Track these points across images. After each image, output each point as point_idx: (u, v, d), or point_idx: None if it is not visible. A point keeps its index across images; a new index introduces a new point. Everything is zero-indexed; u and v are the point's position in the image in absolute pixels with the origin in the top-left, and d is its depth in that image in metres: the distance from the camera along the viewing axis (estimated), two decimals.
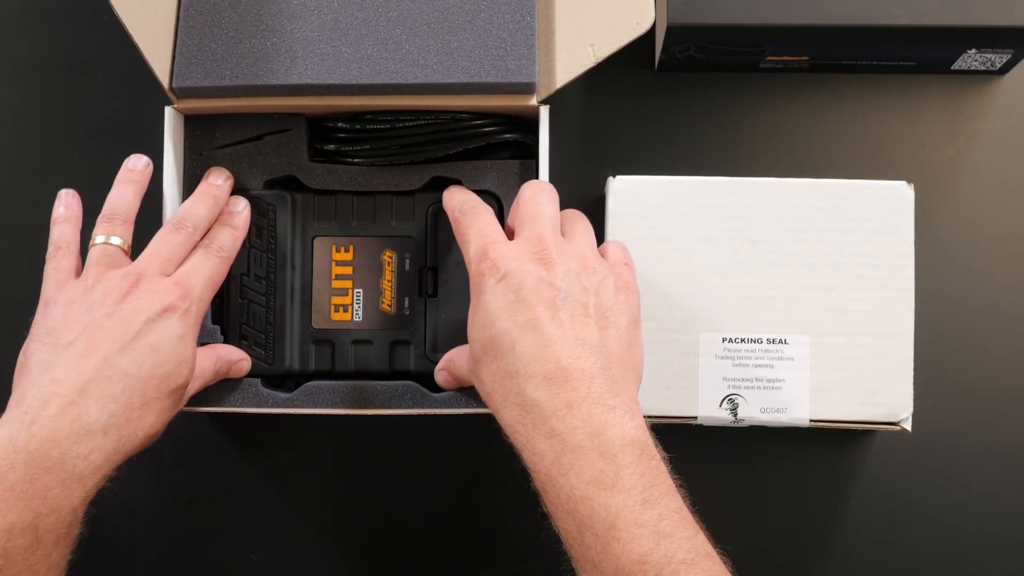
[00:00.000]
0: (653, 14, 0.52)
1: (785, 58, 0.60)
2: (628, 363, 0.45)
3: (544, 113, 0.53)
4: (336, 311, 0.55)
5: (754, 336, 0.54)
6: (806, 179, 0.55)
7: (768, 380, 0.54)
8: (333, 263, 0.55)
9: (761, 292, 0.54)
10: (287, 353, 0.54)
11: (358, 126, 0.54)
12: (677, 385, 0.54)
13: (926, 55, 0.59)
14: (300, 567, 0.60)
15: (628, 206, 0.55)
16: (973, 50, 0.58)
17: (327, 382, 0.54)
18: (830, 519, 0.59)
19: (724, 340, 0.54)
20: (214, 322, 0.54)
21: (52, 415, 0.42)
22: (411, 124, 0.54)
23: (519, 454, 0.44)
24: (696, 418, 0.54)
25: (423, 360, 0.54)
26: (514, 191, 0.54)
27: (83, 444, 0.42)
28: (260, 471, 0.60)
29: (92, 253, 0.49)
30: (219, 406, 0.53)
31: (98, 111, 0.63)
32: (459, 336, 0.53)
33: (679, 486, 0.43)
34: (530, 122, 0.54)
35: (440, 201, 0.53)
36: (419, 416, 0.53)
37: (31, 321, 0.48)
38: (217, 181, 0.53)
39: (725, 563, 0.41)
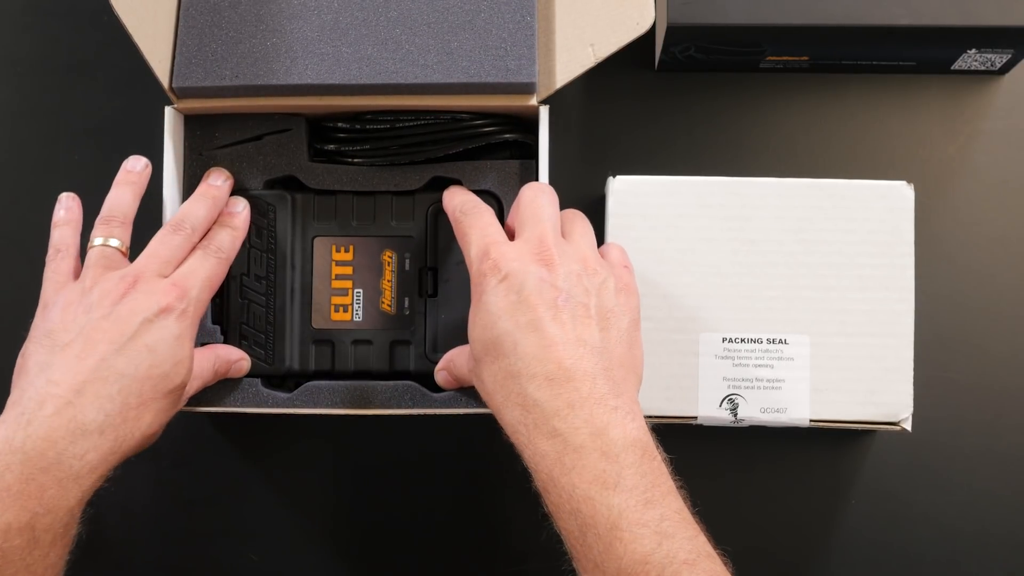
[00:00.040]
0: (653, 14, 0.52)
1: (785, 58, 0.60)
2: (629, 364, 0.45)
3: (544, 113, 0.53)
4: (336, 311, 0.55)
5: (754, 336, 0.54)
6: (806, 179, 0.55)
7: (768, 380, 0.54)
8: (333, 263, 0.55)
9: (761, 292, 0.54)
10: (287, 353, 0.54)
11: (358, 126, 0.54)
12: (677, 385, 0.54)
13: (926, 55, 0.59)
14: (300, 567, 0.60)
15: (628, 206, 0.55)
16: (973, 50, 0.58)
17: (327, 382, 0.54)
18: (830, 519, 0.59)
19: (724, 340, 0.54)
20: (214, 322, 0.54)
21: (48, 415, 0.42)
22: (411, 124, 0.54)
23: (520, 454, 0.44)
24: (696, 418, 0.54)
25: (423, 360, 0.54)
26: (514, 191, 0.54)
27: (79, 444, 0.42)
28: (260, 471, 0.60)
29: (90, 255, 0.49)
30: (219, 406, 0.53)
31: (98, 111, 0.63)
32: (459, 336, 0.53)
33: (680, 487, 0.43)
34: (530, 122, 0.54)
35: (440, 201, 0.53)
36: (419, 416, 0.53)
37: (31, 322, 0.48)
38: (216, 182, 0.53)
39: (726, 564, 0.41)
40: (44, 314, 0.47)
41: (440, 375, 0.53)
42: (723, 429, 0.55)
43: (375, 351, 0.54)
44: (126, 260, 0.49)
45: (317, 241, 0.55)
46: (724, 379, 0.54)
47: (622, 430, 0.42)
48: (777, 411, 0.54)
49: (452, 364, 0.52)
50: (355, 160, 0.55)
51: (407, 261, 0.55)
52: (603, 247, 0.51)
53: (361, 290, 0.55)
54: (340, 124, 0.55)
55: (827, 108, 0.62)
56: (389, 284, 0.55)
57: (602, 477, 0.41)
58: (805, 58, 0.60)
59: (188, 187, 0.54)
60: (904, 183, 0.54)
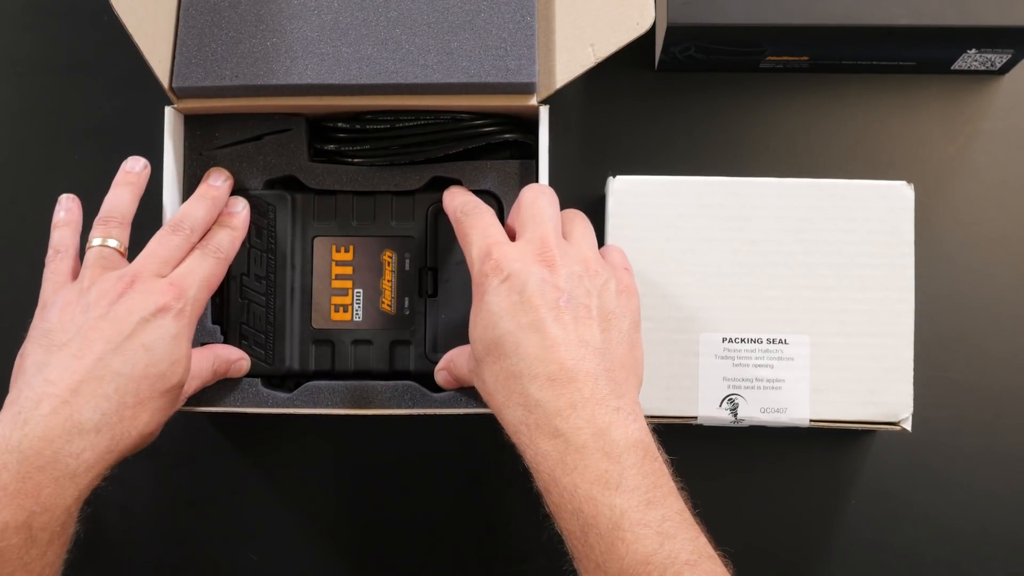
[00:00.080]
0: (653, 14, 0.52)
1: (785, 58, 0.60)
2: (630, 366, 0.45)
3: (544, 113, 0.53)
4: (336, 311, 0.55)
5: (754, 336, 0.54)
6: (806, 179, 0.55)
7: (768, 380, 0.54)
8: (333, 263, 0.55)
9: (761, 292, 0.54)
10: (287, 353, 0.54)
11: (358, 126, 0.54)
12: (677, 385, 0.54)
13: (926, 55, 0.59)
14: (300, 567, 0.60)
15: (628, 206, 0.55)
16: (973, 50, 0.58)
17: (327, 382, 0.54)
18: (830, 519, 0.59)
19: (724, 340, 0.54)
20: (214, 322, 0.54)
21: (45, 414, 0.42)
22: (411, 124, 0.54)
23: (521, 455, 0.44)
24: (696, 418, 0.54)
25: (423, 360, 0.54)
26: (514, 191, 0.54)
27: (76, 443, 0.43)
28: (260, 471, 0.60)
29: (89, 255, 0.49)
30: (219, 406, 0.53)
31: (98, 111, 0.63)
32: (459, 336, 0.53)
33: (681, 488, 0.43)
34: (530, 122, 0.54)
35: (440, 201, 0.53)
36: (419, 416, 0.53)
37: (31, 323, 0.48)
38: (216, 182, 0.53)
39: (727, 565, 0.41)
40: (42, 314, 0.48)
41: (440, 375, 0.53)
42: (723, 429, 0.55)
43: (375, 351, 0.54)
44: (124, 260, 0.50)
45: (317, 241, 0.55)
46: (724, 379, 0.54)
47: (624, 431, 0.42)
48: (777, 411, 0.54)
49: (452, 364, 0.52)
50: (355, 160, 0.55)
51: (407, 261, 0.55)
52: (603, 249, 0.52)
53: (361, 290, 0.55)
54: (340, 124, 0.55)
55: (827, 108, 0.62)
56: (389, 284, 0.55)
57: (604, 477, 0.41)
58: (805, 58, 0.60)
59: (188, 187, 0.54)
60: (904, 183, 0.54)
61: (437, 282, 0.55)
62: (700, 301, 0.54)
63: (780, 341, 0.54)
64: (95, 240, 0.49)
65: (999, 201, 0.61)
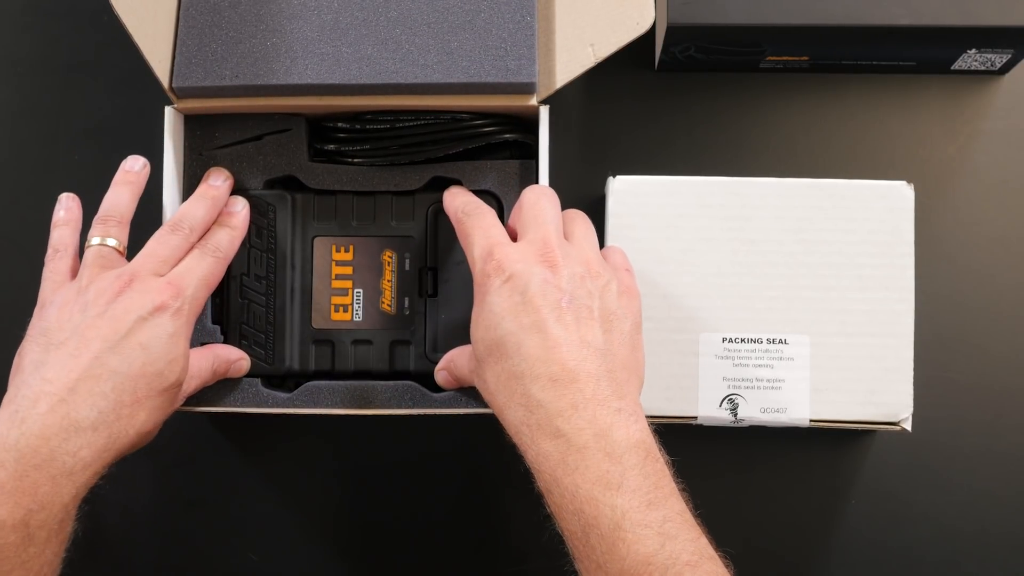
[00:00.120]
0: (653, 14, 0.52)
1: (785, 58, 0.60)
2: (631, 367, 0.45)
3: (544, 113, 0.53)
4: (336, 311, 0.55)
5: (754, 336, 0.54)
6: (806, 179, 0.55)
7: (768, 380, 0.54)
8: (333, 263, 0.55)
9: (761, 292, 0.54)
10: (287, 353, 0.54)
11: (358, 126, 0.54)
12: (677, 385, 0.54)
13: (926, 55, 0.59)
14: (300, 567, 0.60)
15: (628, 206, 0.55)
16: (973, 50, 0.58)
17: (327, 382, 0.54)
18: (830, 519, 0.59)
19: (724, 340, 0.54)
20: (214, 322, 0.54)
21: (42, 413, 0.43)
22: (411, 124, 0.54)
23: (523, 455, 0.44)
24: (696, 418, 0.54)
25: (423, 360, 0.54)
26: (514, 191, 0.54)
27: (72, 441, 0.43)
28: (260, 471, 0.60)
29: (87, 255, 0.49)
30: (219, 406, 0.53)
31: (98, 111, 0.63)
32: (459, 336, 0.53)
33: (682, 489, 0.43)
34: (530, 122, 0.54)
35: (440, 201, 0.53)
36: (419, 416, 0.53)
37: (30, 322, 0.48)
38: (216, 182, 0.53)
39: (728, 566, 0.41)
40: (41, 313, 0.48)
41: (440, 375, 0.53)
42: (723, 429, 0.55)
43: (375, 351, 0.54)
44: (123, 259, 0.50)
45: (317, 241, 0.55)
46: (724, 379, 0.54)
47: (625, 431, 0.42)
48: (777, 411, 0.54)
49: (453, 364, 0.52)
50: (355, 160, 0.55)
51: (407, 261, 0.55)
52: (604, 250, 0.52)
53: (361, 290, 0.55)
54: (340, 124, 0.55)
55: (827, 108, 0.62)
56: (389, 284, 0.55)
57: (605, 478, 0.41)
58: (805, 58, 0.60)
59: (188, 187, 0.54)
60: (904, 183, 0.54)
61: (437, 282, 0.55)
62: (700, 301, 0.54)
63: (780, 341, 0.54)
64: (94, 239, 0.49)
65: (999, 201, 0.61)
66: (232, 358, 0.53)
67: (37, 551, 0.42)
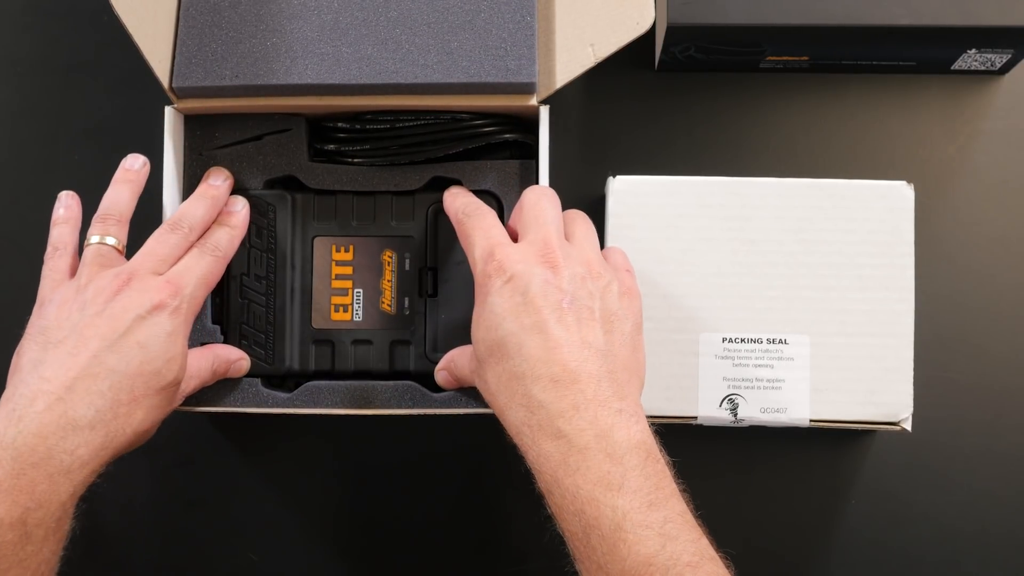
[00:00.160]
0: (653, 14, 0.52)
1: (785, 58, 0.60)
2: (632, 368, 0.45)
3: (544, 113, 0.53)
4: (336, 311, 0.55)
5: (754, 336, 0.54)
6: (806, 179, 0.55)
7: (768, 380, 0.54)
8: (333, 263, 0.55)
9: (761, 292, 0.54)
10: (287, 353, 0.54)
11: (358, 126, 0.54)
12: (677, 385, 0.54)
13: (926, 55, 0.59)
14: (300, 567, 0.60)
15: (628, 206, 0.55)
16: (973, 50, 0.58)
17: (327, 382, 0.54)
18: (830, 519, 0.59)
19: (724, 340, 0.54)
20: (214, 322, 0.54)
21: (39, 411, 0.43)
22: (411, 124, 0.54)
23: (523, 456, 0.44)
24: (696, 418, 0.54)
25: (423, 360, 0.54)
26: (514, 191, 0.54)
27: (70, 439, 0.43)
28: (260, 471, 0.60)
29: (86, 253, 0.49)
30: (219, 406, 0.53)
31: (98, 111, 0.63)
32: (459, 336, 0.53)
33: (682, 490, 0.43)
34: (530, 122, 0.54)
35: (440, 201, 0.53)
36: (419, 416, 0.53)
37: (29, 320, 0.48)
38: (216, 182, 0.53)
39: (728, 567, 0.41)
40: (40, 311, 0.48)
41: (440, 375, 0.53)
42: (723, 429, 0.55)
43: (375, 351, 0.54)
44: (122, 258, 0.50)
45: (317, 241, 0.55)
46: (724, 379, 0.54)
47: (626, 432, 0.42)
48: (777, 411, 0.54)
49: (453, 364, 0.52)
50: (355, 160, 0.55)
51: (407, 261, 0.55)
52: (605, 250, 0.52)
53: (361, 290, 0.55)
54: (340, 124, 0.55)
55: (827, 108, 0.62)
56: (389, 284, 0.55)
57: (607, 479, 0.41)
58: (805, 58, 0.60)
59: (188, 187, 0.54)
60: (904, 183, 0.54)
61: (437, 282, 0.55)
62: (700, 301, 0.54)
63: (780, 341, 0.54)
64: (93, 238, 0.49)
65: (999, 201, 0.61)
66: (232, 358, 0.53)
67: (35, 549, 0.42)
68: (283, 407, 0.53)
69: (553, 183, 0.52)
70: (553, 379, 0.43)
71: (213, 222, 0.52)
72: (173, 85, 0.52)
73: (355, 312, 0.55)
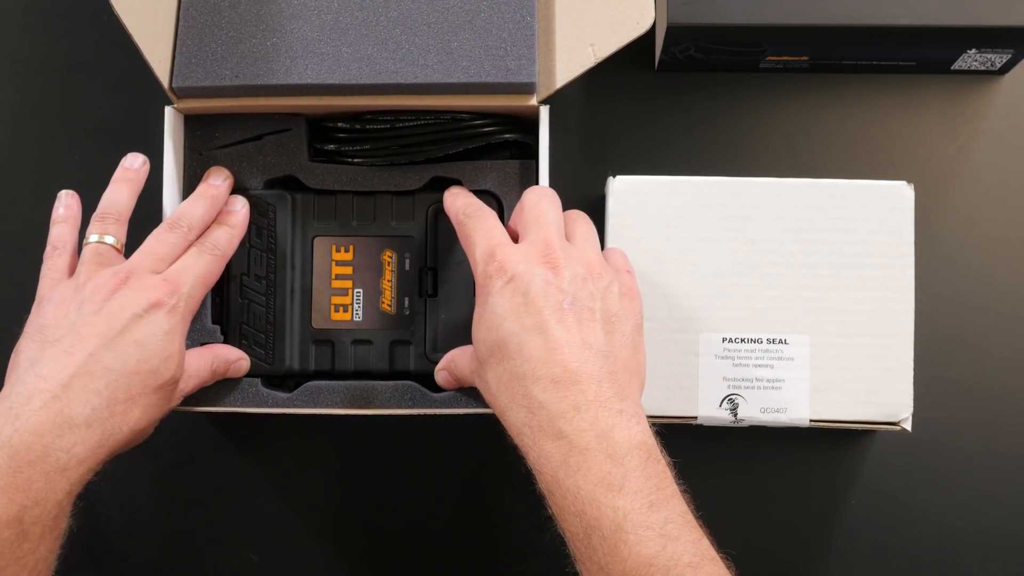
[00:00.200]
0: (653, 14, 0.52)
1: (785, 58, 0.60)
2: (633, 368, 0.45)
3: (544, 113, 0.53)
4: (336, 311, 0.55)
5: (754, 336, 0.54)
6: (806, 179, 0.55)
7: (768, 380, 0.54)
8: (333, 263, 0.55)
9: (761, 292, 0.54)
10: (287, 353, 0.54)
11: (358, 126, 0.54)
12: (677, 385, 0.54)
13: (926, 55, 0.59)
14: (300, 567, 0.60)
15: (628, 206, 0.55)
16: (973, 50, 0.58)
17: (327, 382, 0.54)
18: (830, 519, 0.59)
19: (724, 340, 0.54)
20: (214, 322, 0.54)
21: (36, 410, 0.43)
22: (411, 124, 0.54)
23: (524, 456, 0.44)
24: (696, 418, 0.54)
25: (423, 360, 0.54)
26: (514, 191, 0.54)
27: (66, 437, 0.43)
28: (260, 471, 0.60)
29: (85, 252, 0.49)
30: (219, 406, 0.53)
31: (98, 111, 0.63)
32: (459, 336, 0.53)
33: (683, 491, 0.43)
34: (530, 122, 0.54)
35: (440, 201, 0.53)
36: (419, 416, 0.53)
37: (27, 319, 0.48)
38: (216, 181, 0.53)
39: (729, 567, 0.41)
40: (38, 310, 0.48)
41: (440, 375, 0.53)
42: (723, 429, 0.55)
43: (375, 351, 0.54)
44: (121, 257, 0.50)
45: (317, 241, 0.55)
46: (724, 379, 0.54)
47: (627, 433, 0.42)
48: (777, 411, 0.54)
49: (453, 364, 0.52)
50: (355, 160, 0.55)
51: (407, 261, 0.55)
52: (605, 251, 0.52)
53: (361, 290, 0.55)
54: (340, 124, 0.55)
55: (827, 108, 0.62)
56: (389, 284, 0.55)
57: (607, 479, 0.41)
58: (805, 58, 0.60)
59: (188, 187, 0.54)
60: (904, 183, 0.54)
61: (437, 282, 0.55)
62: (700, 301, 0.54)
63: (780, 341, 0.54)
64: (91, 237, 0.49)
65: (999, 201, 0.61)
66: (231, 358, 0.53)
67: (32, 547, 0.42)
68: (283, 407, 0.53)
69: (553, 183, 0.52)
70: (554, 380, 0.43)
71: (213, 221, 0.52)
72: (173, 85, 0.52)
73: (355, 312, 0.55)
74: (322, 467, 0.60)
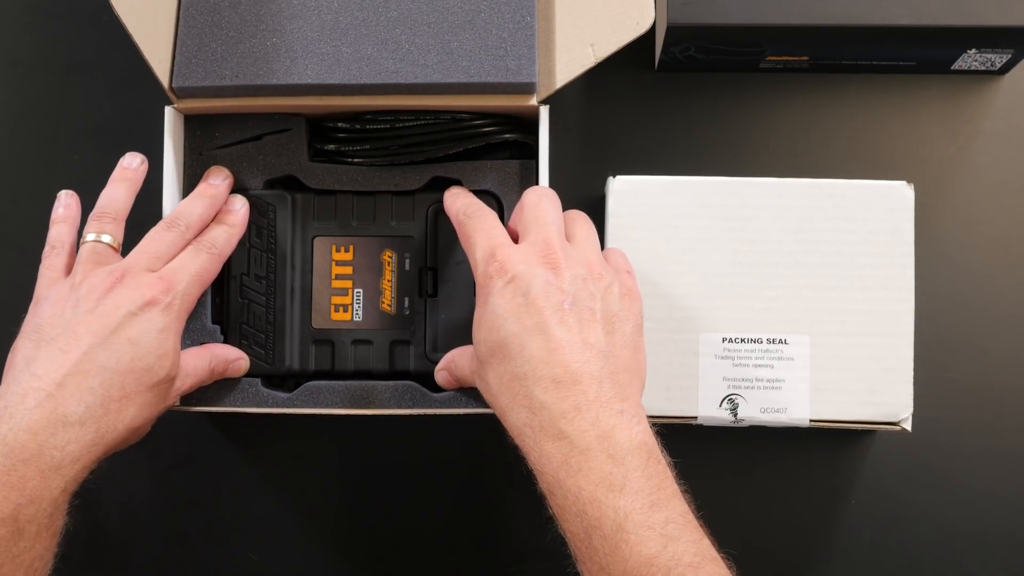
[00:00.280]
0: (653, 14, 0.52)
1: (785, 58, 0.60)
2: (633, 368, 0.46)
3: (544, 113, 0.53)
4: (336, 311, 0.55)
5: (754, 336, 0.54)
6: (806, 179, 0.55)
7: (768, 380, 0.54)
8: (333, 263, 0.55)
9: (761, 292, 0.54)
10: (287, 353, 0.54)
11: (358, 126, 0.54)
12: (677, 385, 0.54)
13: (926, 55, 0.59)
14: (300, 567, 0.60)
15: (628, 206, 0.55)
16: (973, 50, 0.58)
17: (327, 382, 0.54)
18: (830, 519, 0.59)
19: (724, 340, 0.54)
20: (214, 322, 0.54)
21: (30, 408, 0.43)
22: (411, 124, 0.54)
23: (525, 457, 0.44)
24: (696, 418, 0.54)
25: (423, 360, 0.54)
26: (514, 191, 0.54)
27: (60, 436, 0.43)
28: (260, 471, 0.60)
29: (82, 251, 0.49)
30: (219, 406, 0.53)
31: (98, 111, 0.63)
32: (459, 336, 0.53)
33: (684, 491, 0.43)
34: (530, 122, 0.54)
35: (440, 201, 0.53)
36: (419, 416, 0.53)
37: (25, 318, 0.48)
38: (215, 181, 0.53)
39: (730, 567, 0.41)
40: (35, 309, 0.48)
41: (440, 375, 0.53)
42: (723, 429, 0.55)
43: (375, 351, 0.54)
44: (117, 256, 0.50)
45: (317, 241, 0.55)
46: (724, 379, 0.54)
47: (628, 433, 0.42)
48: (777, 411, 0.54)
49: (453, 364, 0.52)
50: (355, 160, 0.55)
51: (407, 261, 0.55)
52: (605, 251, 0.51)
53: (361, 290, 0.55)
54: (340, 124, 0.55)
55: (827, 108, 0.62)
56: (389, 284, 0.55)
57: (608, 479, 0.41)
58: (805, 58, 0.60)
59: (188, 187, 0.54)
60: (904, 183, 0.54)
61: (437, 282, 0.55)
62: (700, 301, 0.54)
63: (780, 341, 0.54)
64: (88, 236, 0.50)
65: (999, 201, 0.61)
66: (230, 357, 0.53)
67: (27, 545, 0.42)
68: (283, 407, 0.53)
69: (553, 183, 0.52)
70: (555, 380, 0.43)
71: (212, 221, 0.52)
72: (173, 85, 0.52)
73: (355, 312, 0.55)
74: (322, 467, 0.60)
